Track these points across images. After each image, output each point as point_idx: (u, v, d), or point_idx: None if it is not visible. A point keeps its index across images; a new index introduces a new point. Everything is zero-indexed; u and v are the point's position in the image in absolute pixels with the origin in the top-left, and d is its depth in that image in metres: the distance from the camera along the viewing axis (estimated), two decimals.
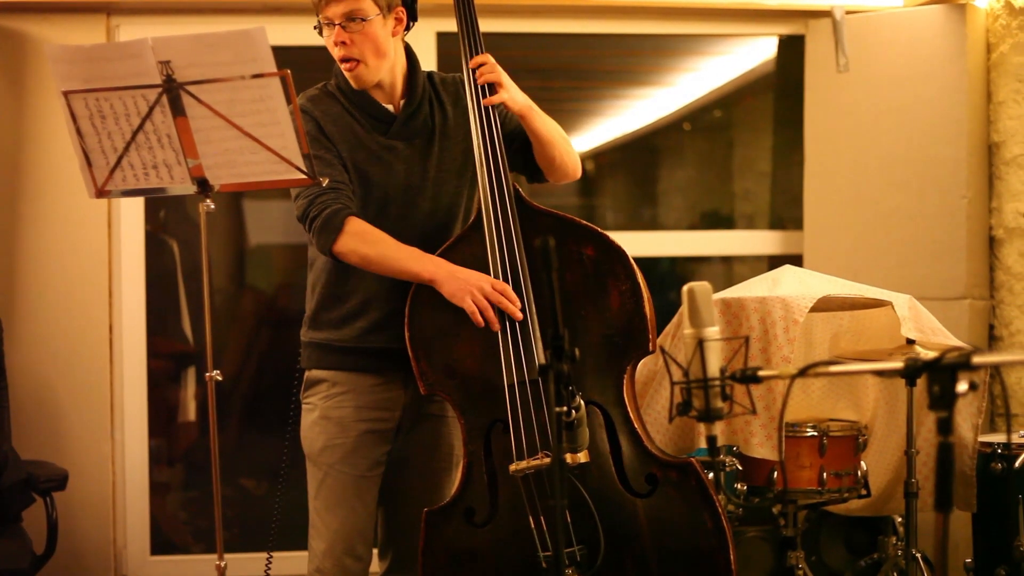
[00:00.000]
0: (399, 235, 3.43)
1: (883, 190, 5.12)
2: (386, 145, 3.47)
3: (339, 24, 3.34)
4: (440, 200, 3.52)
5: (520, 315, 3.30)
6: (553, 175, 3.56)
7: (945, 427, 2.13)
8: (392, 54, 3.43)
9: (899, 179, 5.09)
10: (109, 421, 4.91)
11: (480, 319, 3.29)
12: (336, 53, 3.40)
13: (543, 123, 3.46)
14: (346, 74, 3.43)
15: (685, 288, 2.75)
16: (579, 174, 3.62)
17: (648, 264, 5.46)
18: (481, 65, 3.42)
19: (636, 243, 5.20)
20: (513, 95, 3.42)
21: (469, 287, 3.29)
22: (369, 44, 3.36)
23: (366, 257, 3.36)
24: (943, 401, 2.12)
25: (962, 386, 2.10)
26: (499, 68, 3.43)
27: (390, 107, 3.50)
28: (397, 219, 3.47)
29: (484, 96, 3.41)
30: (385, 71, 3.44)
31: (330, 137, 3.43)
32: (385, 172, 3.47)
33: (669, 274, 5.58)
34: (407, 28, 3.49)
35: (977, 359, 2.11)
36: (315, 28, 3.43)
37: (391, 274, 3.38)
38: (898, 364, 2.26)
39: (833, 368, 2.57)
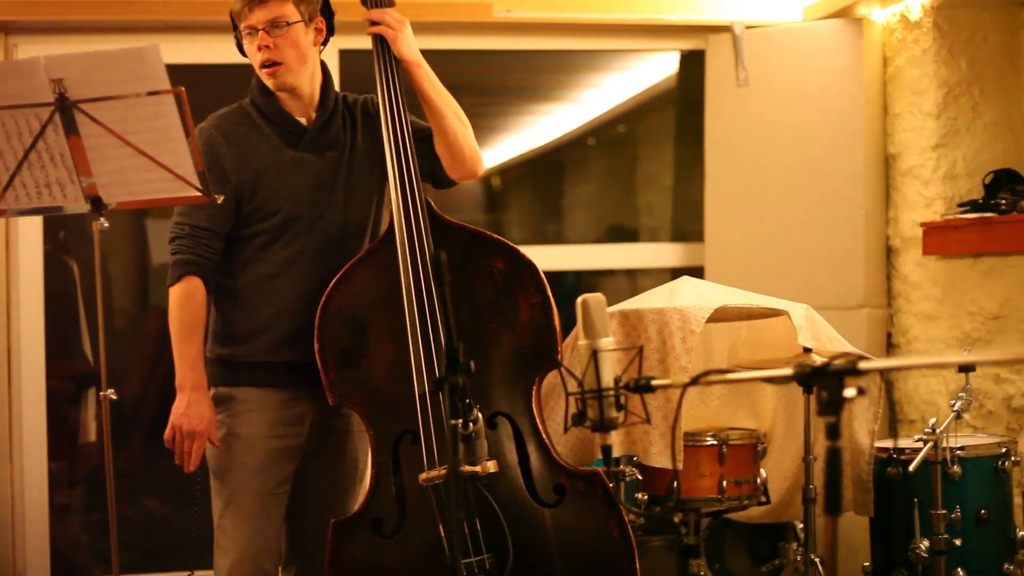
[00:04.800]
0: (310, 247, 3.45)
1: (782, 202, 5.18)
2: (297, 158, 3.49)
3: (262, 30, 3.36)
4: (351, 213, 3.53)
5: (190, 469, 3.38)
6: (451, 158, 3.53)
7: (833, 432, 2.15)
8: (311, 63, 3.47)
9: (798, 191, 5.16)
10: (7, 444, 4.84)
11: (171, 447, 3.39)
12: (258, 59, 3.41)
13: (433, 86, 3.48)
14: (267, 79, 3.43)
15: (579, 300, 2.77)
16: (478, 167, 3.61)
17: (554, 278, 5.48)
18: (379, 22, 3.48)
19: (542, 257, 5.15)
20: (405, 44, 3.46)
21: (178, 425, 3.36)
22: (292, 49, 3.39)
23: (168, 319, 3.44)
24: (831, 406, 2.13)
25: (850, 391, 2.11)
26: (395, 19, 3.48)
27: (303, 120, 3.51)
28: (307, 232, 3.48)
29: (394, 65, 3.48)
30: (305, 78, 3.46)
31: (225, 169, 3.43)
32: (294, 186, 3.47)
33: (574, 288, 5.59)
34: (324, 42, 3.52)
35: (863, 364, 2.12)
36: (236, 44, 3.46)
37: None
38: (788, 371, 2.26)
39: (725, 376, 2.59)
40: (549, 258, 5.24)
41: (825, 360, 2.14)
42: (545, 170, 6.24)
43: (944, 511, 3.67)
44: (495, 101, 6.15)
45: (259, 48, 3.39)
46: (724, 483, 3.71)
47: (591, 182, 6.16)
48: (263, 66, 3.42)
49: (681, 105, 5.76)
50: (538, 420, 3.35)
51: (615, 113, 6.09)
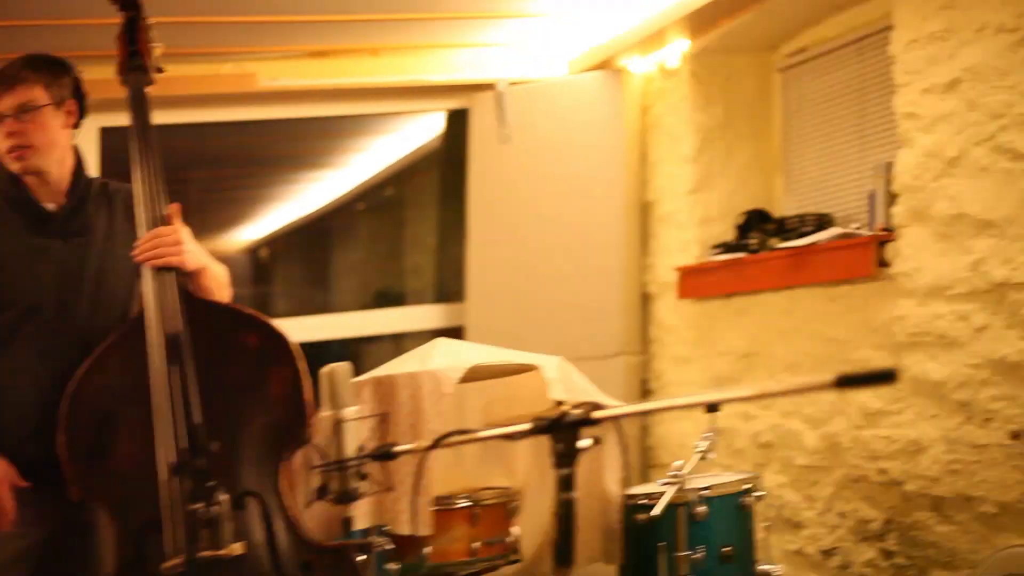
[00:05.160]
0: (55, 337, 3.38)
1: (542, 256, 5.24)
2: (41, 246, 3.41)
3: (11, 116, 3.31)
4: (100, 300, 3.45)
5: (6, 527, 3.28)
6: None
7: (566, 484, 2.18)
8: (61, 147, 3.40)
9: (559, 244, 5.23)
10: None
11: None
12: (5, 145, 3.33)
13: (216, 283, 3.40)
14: (13, 164, 3.35)
15: (322, 371, 2.79)
16: None
17: (320, 348, 5.40)
18: (156, 237, 3.29)
19: (307, 328, 5.16)
20: (192, 260, 3.31)
21: None
22: (40, 132, 3.33)
23: None
24: (566, 458, 2.19)
25: (584, 441, 2.15)
26: (173, 240, 3.30)
27: (52, 206, 3.45)
28: (52, 322, 3.41)
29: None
30: (55, 162, 3.38)
31: None
32: (35, 274, 3.40)
33: (341, 356, 5.55)
34: (76, 125, 3.46)
35: (597, 414, 2.16)
36: None
37: None
38: (527, 426, 2.29)
39: (466, 436, 2.63)
40: (315, 328, 5.20)
41: (561, 412, 2.17)
42: (313, 238, 6.20)
43: (688, 552, 3.67)
44: (262, 171, 6.12)
45: (7, 134, 3.34)
46: (475, 545, 3.68)
47: (359, 248, 6.14)
48: (10, 152, 3.39)
49: (446, 165, 5.79)
50: (286, 497, 3.32)
51: (383, 176, 6.12)
